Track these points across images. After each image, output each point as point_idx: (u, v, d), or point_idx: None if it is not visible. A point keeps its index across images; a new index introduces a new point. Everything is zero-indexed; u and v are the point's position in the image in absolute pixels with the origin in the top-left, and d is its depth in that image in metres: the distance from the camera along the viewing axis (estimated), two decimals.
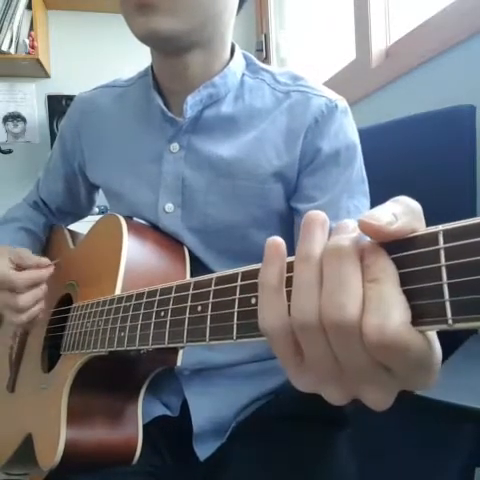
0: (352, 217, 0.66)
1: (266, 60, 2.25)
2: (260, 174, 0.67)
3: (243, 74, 0.71)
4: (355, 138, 0.69)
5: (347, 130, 0.68)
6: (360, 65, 1.47)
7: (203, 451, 0.67)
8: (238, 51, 0.72)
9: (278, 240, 0.31)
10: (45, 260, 0.72)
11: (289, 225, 0.70)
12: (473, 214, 0.88)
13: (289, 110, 0.68)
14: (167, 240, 0.70)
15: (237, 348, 0.71)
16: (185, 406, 0.69)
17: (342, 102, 0.69)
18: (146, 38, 0.62)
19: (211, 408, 0.69)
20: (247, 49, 0.76)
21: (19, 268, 0.69)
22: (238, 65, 0.71)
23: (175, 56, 0.65)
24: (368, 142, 0.73)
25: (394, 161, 1.01)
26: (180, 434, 0.68)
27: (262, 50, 2.29)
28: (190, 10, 0.60)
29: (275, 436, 0.69)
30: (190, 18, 0.60)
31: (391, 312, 0.26)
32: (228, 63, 0.69)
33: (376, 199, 0.70)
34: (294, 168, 0.67)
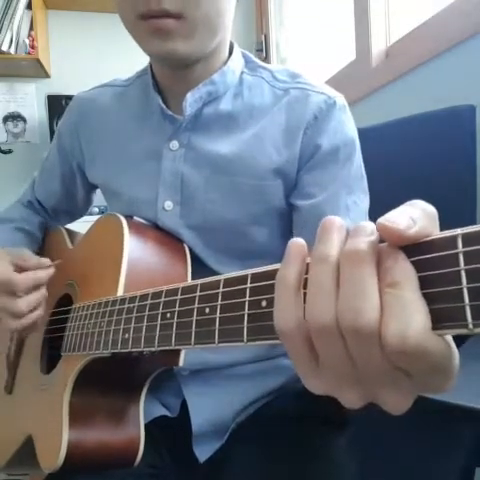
0: (351, 213, 0.66)
1: (266, 60, 2.25)
2: (259, 171, 0.67)
3: (242, 72, 0.71)
4: (354, 135, 0.69)
5: (346, 127, 0.68)
6: (360, 65, 1.47)
7: (202, 452, 0.67)
8: (237, 49, 0.72)
9: (301, 241, 0.31)
10: (45, 260, 0.71)
11: (289, 222, 0.70)
12: (473, 214, 0.88)
13: (288, 107, 0.68)
14: (167, 239, 0.70)
15: (237, 349, 0.71)
16: (185, 407, 0.69)
17: (340, 99, 0.69)
18: (163, 59, 0.65)
19: (210, 409, 0.68)
20: (247, 49, 0.76)
21: (20, 270, 0.67)
22: (237, 63, 0.71)
23: (182, 68, 0.66)
24: (368, 142, 0.73)
25: (394, 161, 1.01)
26: (180, 435, 0.68)
27: (262, 50, 2.29)
28: (205, 33, 0.61)
29: (275, 436, 0.69)
30: (205, 40, 0.62)
31: (412, 318, 0.25)
32: (226, 61, 0.69)
33: (377, 199, 0.70)
34: (294, 165, 0.67)
